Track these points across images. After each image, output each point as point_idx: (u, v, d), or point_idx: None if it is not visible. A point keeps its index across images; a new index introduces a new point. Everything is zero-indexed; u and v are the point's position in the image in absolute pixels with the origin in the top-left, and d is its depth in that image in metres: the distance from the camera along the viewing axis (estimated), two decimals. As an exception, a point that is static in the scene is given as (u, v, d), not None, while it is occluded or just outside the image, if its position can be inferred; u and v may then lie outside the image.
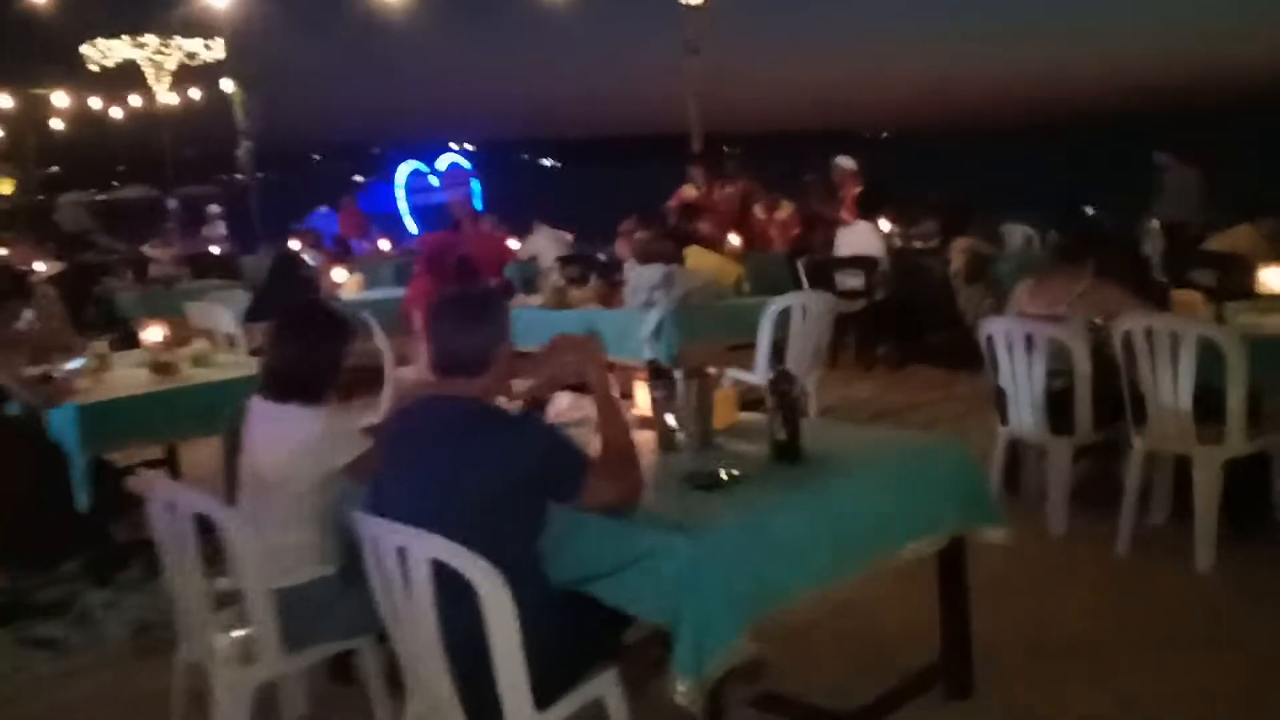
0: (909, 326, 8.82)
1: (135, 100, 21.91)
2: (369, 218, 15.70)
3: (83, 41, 19.11)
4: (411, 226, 18.92)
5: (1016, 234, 9.88)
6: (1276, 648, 3.63)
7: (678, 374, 3.17)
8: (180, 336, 7.70)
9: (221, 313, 7.20)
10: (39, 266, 9.47)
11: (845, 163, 10.83)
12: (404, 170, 20.31)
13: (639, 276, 6.88)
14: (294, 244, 12.10)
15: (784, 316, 6.27)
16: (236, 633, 2.95)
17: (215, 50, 19.29)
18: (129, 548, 4.62)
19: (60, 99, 22.88)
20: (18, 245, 10.71)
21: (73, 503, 4.54)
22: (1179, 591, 4.08)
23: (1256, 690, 3.39)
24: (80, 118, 23.43)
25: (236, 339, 6.80)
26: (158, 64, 19.20)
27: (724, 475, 2.82)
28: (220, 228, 16.52)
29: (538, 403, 3.02)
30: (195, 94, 20.59)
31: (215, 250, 15.28)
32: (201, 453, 5.63)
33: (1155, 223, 9.87)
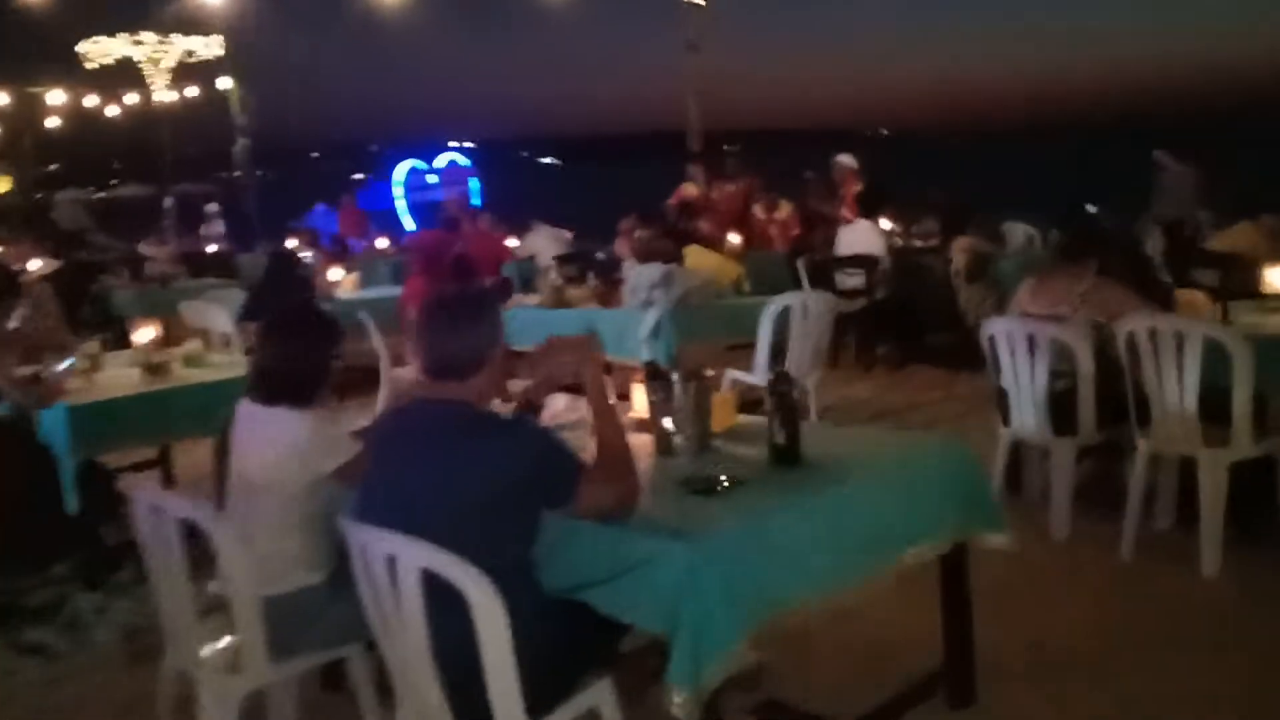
0: (909, 326, 8.78)
1: (132, 98, 21.85)
2: (368, 216, 15.67)
3: (80, 39, 19.05)
4: (410, 225, 18.89)
5: (1018, 233, 9.84)
6: (1283, 652, 3.58)
7: (675, 376, 3.11)
8: (176, 336, 7.66)
9: (217, 312, 7.14)
10: (35, 264, 9.41)
11: (846, 161, 10.80)
12: (402, 168, 20.27)
13: (638, 276, 6.83)
14: (291, 242, 12.07)
15: (784, 316, 6.22)
16: (224, 641, 2.88)
17: (213, 48, 19.23)
18: (120, 550, 4.56)
19: (57, 97, 22.82)
20: (13, 243, 10.64)
21: (63, 505, 4.48)
22: (1184, 596, 4.03)
23: (1262, 696, 3.35)
24: (77, 116, 23.37)
25: (232, 338, 6.74)
26: (155, 61, 19.14)
27: (722, 480, 2.76)
28: (219, 226, 16.48)
29: (532, 405, 2.95)
30: (193, 92, 20.52)
31: (212, 249, 15.24)
32: (195, 454, 5.58)
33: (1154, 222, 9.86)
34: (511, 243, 11.65)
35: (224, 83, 20.31)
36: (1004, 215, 10.01)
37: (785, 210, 11.13)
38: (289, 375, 2.96)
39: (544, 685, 2.42)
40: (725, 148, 15.78)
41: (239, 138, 20.08)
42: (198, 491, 4.27)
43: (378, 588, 2.40)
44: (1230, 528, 4.18)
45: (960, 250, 8.31)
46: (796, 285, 8.62)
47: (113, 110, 22.60)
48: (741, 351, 6.53)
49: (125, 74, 20.04)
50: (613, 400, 2.87)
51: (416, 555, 2.29)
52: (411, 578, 2.29)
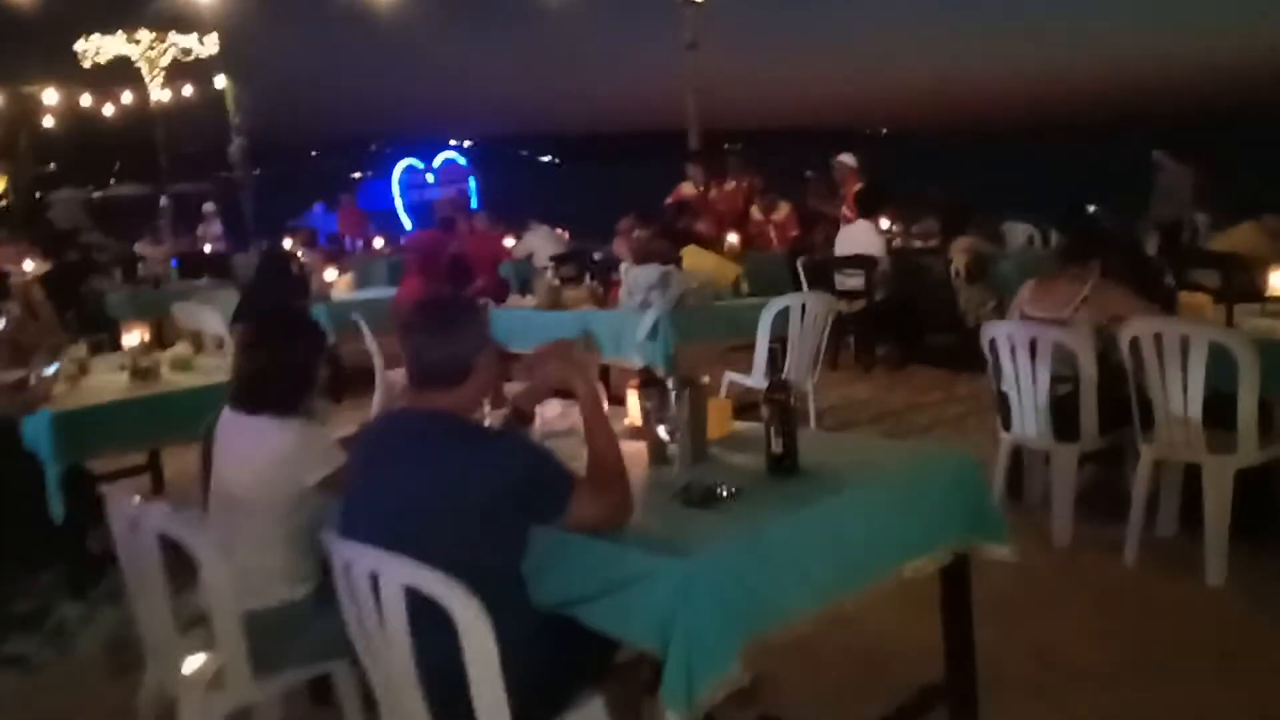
0: (909, 327, 8.74)
1: (128, 97, 21.77)
2: (368, 216, 15.63)
3: (75, 38, 18.96)
4: (407, 224, 18.84)
5: (1018, 233, 9.79)
6: (1290, 664, 3.52)
7: (670, 383, 3.03)
8: (170, 337, 7.59)
9: (209, 313, 7.06)
10: (29, 266, 9.33)
11: (847, 160, 10.74)
12: (400, 167, 20.21)
13: (635, 277, 6.76)
14: (288, 242, 12.00)
15: (782, 318, 6.15)
16: (205, 657, 2.80)
17: (209, 46, 19.15)
18: (105, 558, 4.48)
19: (53, 96, 22.74)
20: (8, 244, 10.57)
21: (48, 512, 4.40)
22: (1189, 604, 3.98)
23: (1269, 707, 3.30)
24: (73, 115, 23.28)
25: (225, 340, 6.66)
26: (151, 60, 19.05)
27: (717, 492, 2.68)
28: (216, 226, 16.42)
29: (521, 415, 2.87)
30: (189, 90, 20.43)
31: (209, 248, 15.17)
32: (185, 459, 5.52)
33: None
34: (509, 243, 11.59)
35: (220, 81, 20.24)
36: (1004, 215, 9.96)
37: (784, 210, 11.07)
38: (272, 383, 2.88)
39: (533, 702, 2.35)
40: (726, 146, 15.72)
41: (235, 137, 20.00)
42: (186, 497, 4.20)
43: (361, 605, 2.32)
44: (1235, 536, 4.11)
45: (960, 251, 8.26)
46: (795, 286, 8.56)
47: (109, 109, 22.50)
48: (742, 352, 6.47)
49: (121, 72, 19.97)
50: (606, 407, 2.79)
51: (400, 572, 2.21)
52: (395, 595, 2.22)
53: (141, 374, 4.99)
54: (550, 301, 7.23)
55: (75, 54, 19.06)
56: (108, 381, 5.04)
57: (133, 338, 5.19)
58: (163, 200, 19.65)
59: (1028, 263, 8.18)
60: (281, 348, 2.93)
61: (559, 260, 9.23)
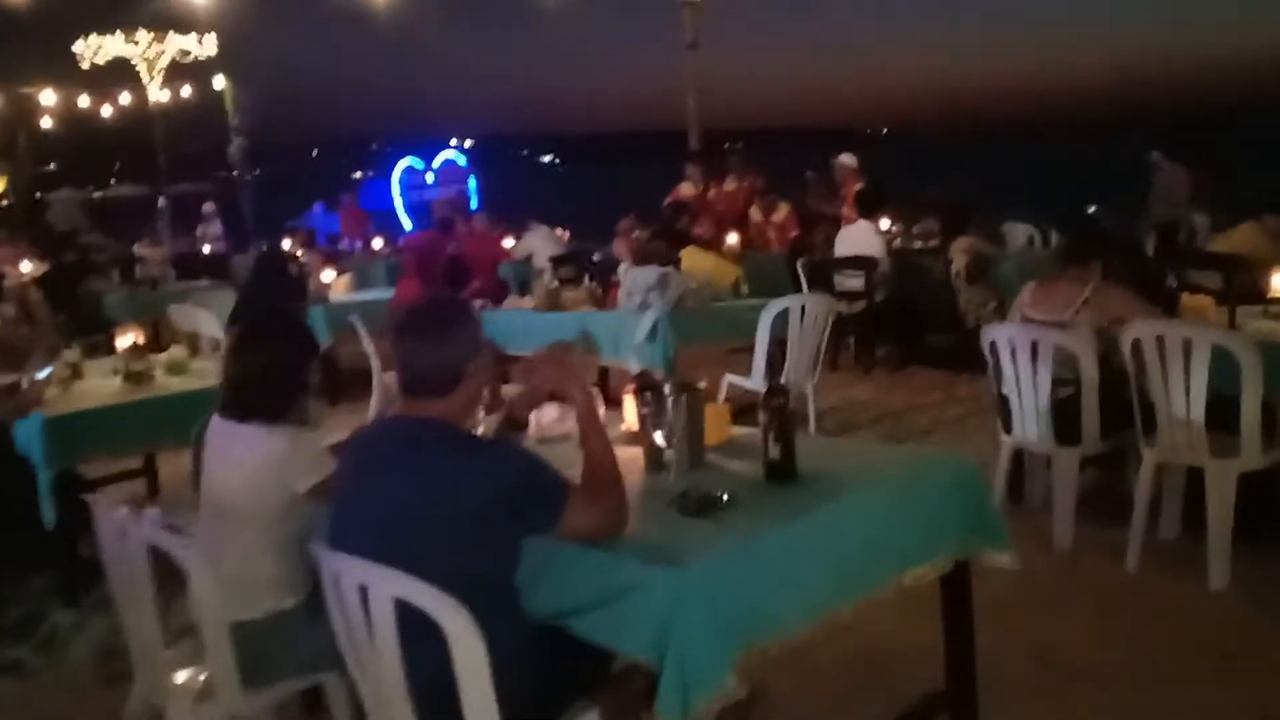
0: (909, 327, 8.70)
1: (127, 97, 21.73)
2: (369, 216, 15.60)
3: (74, 39, 18.93)
4: (407, 224, 18.80)
5: (1019, 233, 9.76)
6: (1292, 669, 3.48)
7: (667, 388, 2.98)
8: (167, 339, 7.54)
9: (206, 315, 7.03)
10: (26, 267, 9.29)
11: (847, 160, 10.70)
12: (400, 167, 20.17)
13: (634, 278, 6.72)
14: (287, 243, 11.96)
15: (782, 319, 6.12)
16: (194, 669, 2.76)
17: (208, 47, 19.11)
18: (97, 565, 4.44)
19: (52, 96, 22.72)
20: (2, 246, 10.53)
21: (40, 518, 4.36)
22: (1191, 608, 3.95)
23: (1271, 710, 3.27)
24: (72, 115, 23.25)
25: (221, 343, 6.62)
26: (150, 61, 19.02)
27: (713, 500, 2.63)
28: (216, 227, 16.39)
29: (514, 421, 2.82)
30: (187, 91, 20.39)
31: (208, 249, 15.14)
32: (181, 463, 5.43)
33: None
34: (508, 243, 11.55)
35: (219, 82, 20.20)
36: (1004, 215, 9.92)
37: (783, 211, 11.03)
38: (260, 390, 2.83)
39: (525, 714, 2.31)
40: (727, 146, 15.69)
41: (234, 137, 19.96)
42: (182, 501, 4.15)
43: (350, 617, 2.28)
44: (1238, 540, 4.08)
45: (960, 251, 8.23)
46: (795, 287, 8.53)
47: (107, 110, 22.46)
48: (742, 354, 6.43)
49: (120, 73, 19.93)
50: (603, 411, 2.75)
51: (389, 584, 2.17)
52: (385, 607, 2.18)
53: (135, 378, 4.94)
54: (549, 303, 7.19)
55: (74, 54, 19.03)
56: (101, 385, 4.99)
57: (125, 341, 5.12)
58: (160, 201, 19.62)
59: (1028, 263, 8.15)
60: (270, 353, 2.88)
61: (558, 261, 9.19)
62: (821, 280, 8.58)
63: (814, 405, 6.28)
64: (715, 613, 2.30)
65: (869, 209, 9.05)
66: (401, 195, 19.81)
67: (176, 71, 19.58)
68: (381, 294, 8.97)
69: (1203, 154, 11.30)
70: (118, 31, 18.77)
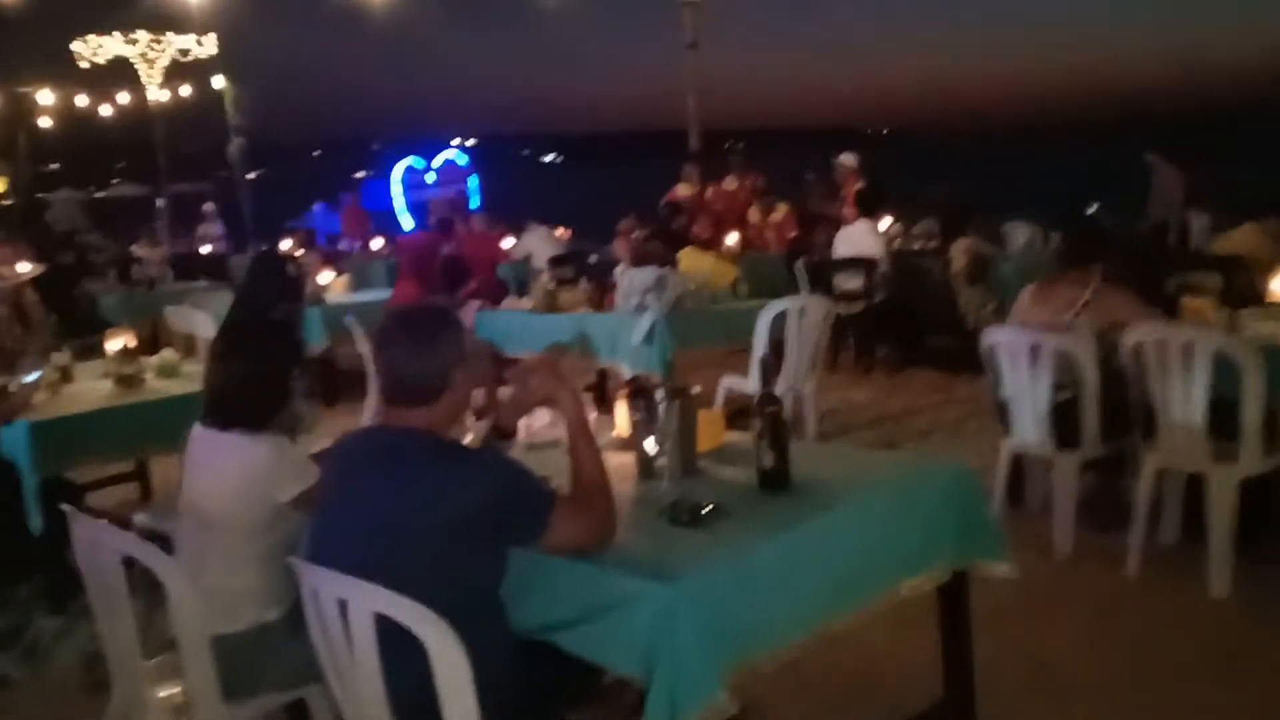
0: (908, 329, 8.66)
1: (126, 97, 21.71)
2: (370, 216, 15.57)
3: (72, 38, 18.91)
4: (408, 224, 18.77)
5: (1019, 234, 9.70)
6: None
7: (660, 394, 2.92)
8: (163, 341, 7.48)
9: (202, 317, 6.98)
10: (24, 267, 9.23)
11: (847, 160, 10.66)
12: (400, 167, 20.13)
13: (631, 279, 6.67)
14: (286, 243, 11.91)
15: (780, 321, 6.06)
16: (173, 682, 2.71)
17: (207, 47, 19.08)
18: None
19: (50, 96, 22.70)
20: (4, 245, 10.46)
21: (26, 524, 4.30)
22: (1192, 615, 3.90)
23: (1273, 716, 3.24)
24: (72, 115, 23.23)
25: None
26: (149, 60, 18.99)
27: (704, 510, 2.57)
28: (216, 227, 16.36)
29: (501, 431, 2.76)
30: (187, 90, 20.36)
31: (207, 249, 15.10)
32: (174, 467, 5.38)
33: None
34: (508, 243, 11.50)
35: (219, 81, 20.18)
36: (1004, 216, 9.87)
37: (782, 211, 10.99)
38: (243, 397, 2.77)
39: (511, 730, 2.26)
40: (727, 145, 15.64)
41: (234, 137, 19.93)
42: (173, 507, 4.10)
43: (330, 633, 2.23)
44: (1239, 546, 4.02)
45: (960, 252, 8.18)
46: (794, 288, 8.48)
47: (107, 110, 22.44)
48: (741, 355, 6.38)
49: (119, 73, 19.92)
50: (594, 418, 2.69)
51: (370, 600, 2.12)
52: (365, 623, 2.12)
53: (125, 381, 4.87)
54: (546, 304, 7.14)
55: (73, 54, 19.01)
56: (91, 389, 4.93)
57: (115, 343, 5.03)
58: (159, 201, 19.59)
59: (1028, 264, 8.10)
60: (253, 361, 2.83)
61: (557, 262, 9.14)
62: (821, 281, 8.53)
63: (813, 407, 6.22)
64: (705, 626, 2.24)
65: (869, 209, 9.00)
66: (403, 195, 19.79)
67: (176, 71, 19.58)
68: (379, 295, 8.92)
69: (1199, 155, 11.23)
70: (116, 31, 18.75)
